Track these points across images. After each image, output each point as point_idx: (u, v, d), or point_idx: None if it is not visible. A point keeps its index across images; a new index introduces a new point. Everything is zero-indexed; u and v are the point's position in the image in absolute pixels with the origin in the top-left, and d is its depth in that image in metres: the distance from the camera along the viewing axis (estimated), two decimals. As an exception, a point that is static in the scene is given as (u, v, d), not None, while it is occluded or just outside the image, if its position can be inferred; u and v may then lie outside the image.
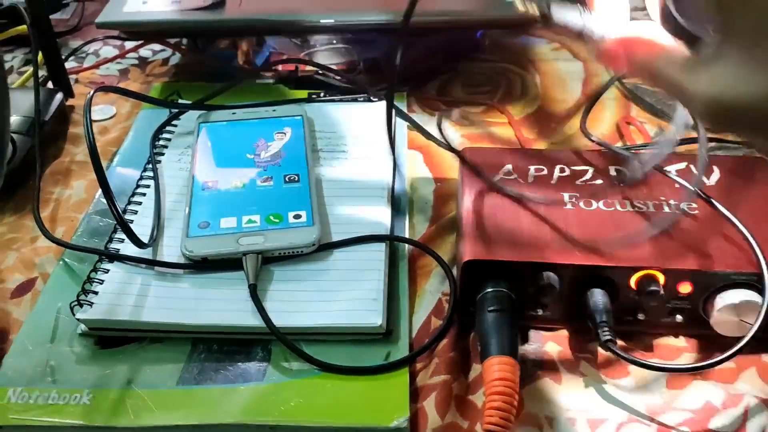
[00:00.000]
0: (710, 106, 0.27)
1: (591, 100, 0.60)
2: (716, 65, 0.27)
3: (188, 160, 0.52)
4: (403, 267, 0.46)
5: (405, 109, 0.60)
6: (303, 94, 0.62)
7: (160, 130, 0.55)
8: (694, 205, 0.42)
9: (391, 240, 0.46)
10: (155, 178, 0.50)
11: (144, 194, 0.50)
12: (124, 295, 0.42)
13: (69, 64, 0.69)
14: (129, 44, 0.70)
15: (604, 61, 0.36)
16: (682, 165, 0.46)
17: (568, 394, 0.39)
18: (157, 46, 0.71)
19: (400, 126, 0.58)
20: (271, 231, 0.45)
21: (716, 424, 0.37)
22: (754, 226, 0.40)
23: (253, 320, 0.41)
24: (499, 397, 0.35)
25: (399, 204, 0.50)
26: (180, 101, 0.61)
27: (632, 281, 0.39)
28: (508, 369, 0.36)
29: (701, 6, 0.29)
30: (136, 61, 0.70)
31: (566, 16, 0.32)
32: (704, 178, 0.45)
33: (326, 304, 0.42)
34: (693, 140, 0.54)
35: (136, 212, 0.48)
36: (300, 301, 0.42)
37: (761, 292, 0.38)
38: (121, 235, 0.45)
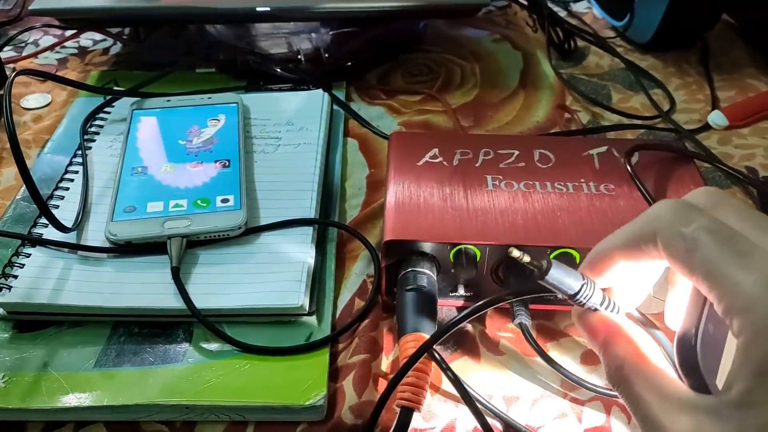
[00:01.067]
0: None
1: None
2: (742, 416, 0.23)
3: (119, 147, 0.51)
4: (330, 250, 0.46)
5: (344, 98, 0.61)
6: (242, 82, 0.62)
7: (92, 116, 0.55)
8: (612, 186, 0.43)
9: (318, 224, 0.46)
10: (84, 164, 0.50)
11: (72, 180, 0.49)
12: (43, 278, 0.42)
13: (7, 54, 0.68)
14: (69, 33, 0.69)
15: (582, 327, 0.31)
16: (603, 148, 0.47)
17: (486, 372, 0.39)
18: (97, 36, 0.70)
19: (338, 114, 0.58)
20: (197, 215, 0.45)
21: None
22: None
23: (175, 303, 0.41)
24: (412, 372, 0.35)
25: (331, 189, 0.51)
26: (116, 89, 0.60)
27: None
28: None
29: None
30: (76, 51, 0.69)
31: (564, 279, 0.29)
32: (624, 161, 0.45)
33: (250, 286, 0.42)
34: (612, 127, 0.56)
35: (62, 197, 0.48)
36: (224, 284, 0.42)
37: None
38: (45, 220, 0.44)
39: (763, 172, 0.53)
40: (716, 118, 0.58)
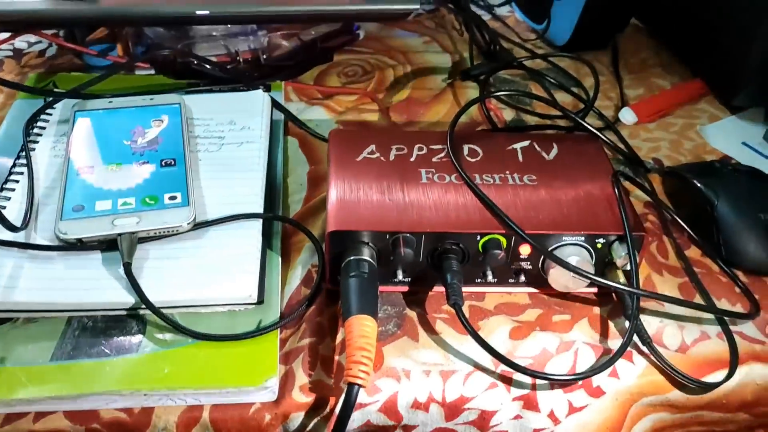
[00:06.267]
0: None
1: (459, 111, 0.63)
2: None
3: (63, 148, 0.52)
4: (276, 243, 0.49)
5: (282, 98, 0.63)
6: (182, 84, 0.63)
7: (34, 118, 0.55)
8: (534, 177, 0.48)
9: (264, 218, 0.49)
10: (28, 165, 0.51)
11: (17, 181, 0.50)
12: (-5, 277, 0.43)
13: (-63, 55, 0.67)
14: (4, 36, 0.69)
15: None
16: (526, 143, 0.51)
17: (425, 350, 0.43)
18: (32, 38, 0.70)
19: (278, 114, 0.61)
20: (146, 212, 0.47)
21: (551, 367, 0.42)
22: (583, 194, 0.46)
23: (128, 297, 0.42)
24: (357, 351, 0.38)
25: (274, 186, 0.53)
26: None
27: (479, 246, 0.44)
28: (366, 326, 0.39)
29: None
30: (11, 53, 0.69)
31: None
32: (544, 154, 0.50)
33: (201, 279, 0.44)
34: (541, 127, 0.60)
35: (8, 198, 0.48)
36: (176, 277, 0.44)
37: (589, 252, 0.44)
38: (-8, 220, 0.45)
39: (667, 162, 0.59)
40: (626, 114, 0.63)
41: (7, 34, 0.68)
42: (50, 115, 0.57)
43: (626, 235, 0.43)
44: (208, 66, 0.63)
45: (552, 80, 0.68)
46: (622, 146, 0.58)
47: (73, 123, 0.54)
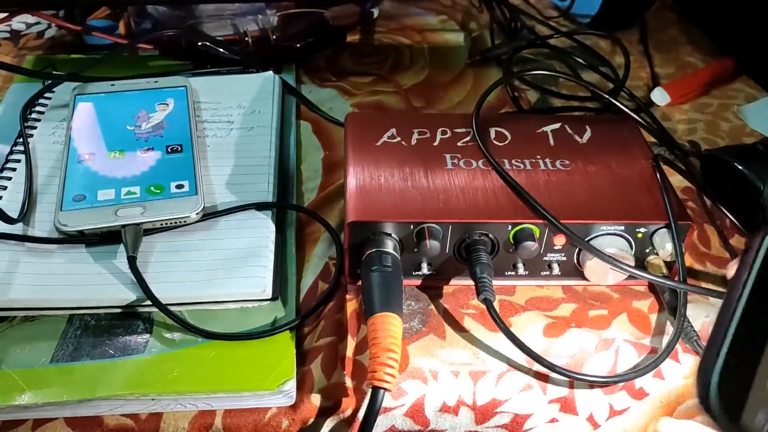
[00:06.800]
0: None
1: (484, 93, 0.58)
2: None
3: (63, 134, 0.49)
4: (291, 234, 0.45)
5: (294, 81, 0.60)
6: (187, 66, 0.60)
7: (32, 102, 0.52)
8: (567, 162, 0.44)
9: (277, 207, 0.46)
10: (26, 152, 0.48)
11: (14, 169, 0.47)
12: (-10, 273, 0.40)
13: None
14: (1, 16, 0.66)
15: None
16: (557, 125, 0.47)
17: (452, 349, 0.40)
18: (31, 19, 0.67)
19: (290, 97, 0.58)
20: (151, 202, 0.43)
21: (590, 367, 0.39)
22: (621, 179, 0.43)
23: (133, 293, 0.39)
24: (382, 352, 0.35)
25: (287, 173, 0.50)
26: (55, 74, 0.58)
27: (510, 236, 0.41)
28: (391, 325, 0.36)
29: None
30: (8, 35, 0.66)
31: None
32: (577, 137, 0.47)
33: (211, 273, 0.41)
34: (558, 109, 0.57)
35: (5, 188, 0.45)
36: (184, 272, 0.41)
37: (629, 242, 0.41)
38: (-13, 211, 0.42)
39: (704, 145, 0.55)
40: (658, 95, 0.60)
41: (3, 15, 0.65)
42: (49, 99, 0.54)
43: (671, 224, 0.40)
44: (215, 47, 0.60)
45: (579, 59, 0.64)
46: (655, 128, 0.54)
47: (74, 107, 0.51)
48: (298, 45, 0.63)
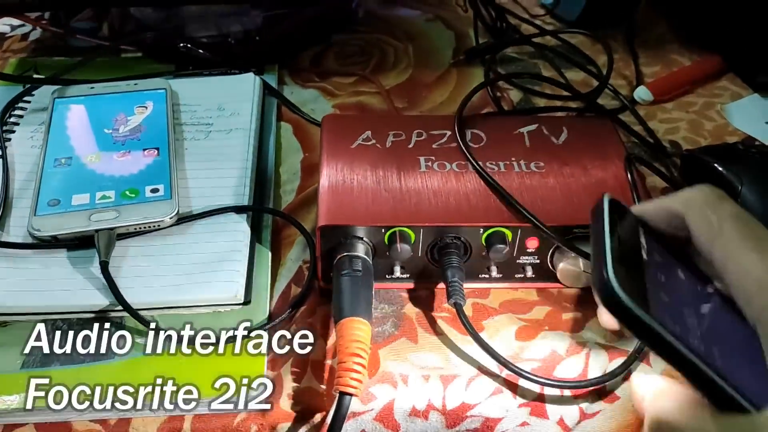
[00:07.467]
0: None
1: (465, 98, 0.57)
2: None
3: (41, 137, 0.49)
4: (266, 237, 0.45)
5: (276, 82, 0.60)
6: (170, 67, 0.60)
7: (11, 106, 0.53)
8: (542, 164, 0.44)
9: (252, 210, 0.46)
10: (3, 156, 0.48)
11: (-9, 174, 0.47)
12: (-37, 278, 0.40)
13: None
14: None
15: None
16: (533, 126, 0.47)
17: (424, 353, 0.39)
18: (15, 21, 0.67)
19: (271, 98, 0.57)
20: (125, 206, 0.44)
21: (561, 370, 0.39)
22: (595, 181, 0.43)
23: (106, 298, 0.40)
24: (348, 357, 0.35)
25: (265, 175, 0.50)
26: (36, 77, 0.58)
27: (482, 239, 0.40)
28: (359, 330, 0.36)
29: None
30: (-7, 37, 0.66)
31: None
32: (553, 138, 0.46)
33: (184, 278, 0.41)
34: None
35: (-19, 193, 0.46)
36: (157, 276, 0.41)
37: (602, 244, 0.40)
38: (-38, 217, 0.43)
39: (686, 145, 0.55)
40: (641, 93, 0.59)
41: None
42: (28, 102, 0.54)
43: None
44: (197, 48, 0.60)
45: (564, 57, 0.63)
46: (638, 128, 0.54)
47: (52, 111, 0.51)
48: (282, 46, 0.63)
